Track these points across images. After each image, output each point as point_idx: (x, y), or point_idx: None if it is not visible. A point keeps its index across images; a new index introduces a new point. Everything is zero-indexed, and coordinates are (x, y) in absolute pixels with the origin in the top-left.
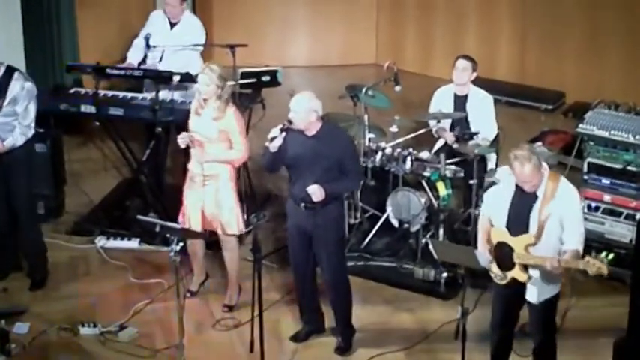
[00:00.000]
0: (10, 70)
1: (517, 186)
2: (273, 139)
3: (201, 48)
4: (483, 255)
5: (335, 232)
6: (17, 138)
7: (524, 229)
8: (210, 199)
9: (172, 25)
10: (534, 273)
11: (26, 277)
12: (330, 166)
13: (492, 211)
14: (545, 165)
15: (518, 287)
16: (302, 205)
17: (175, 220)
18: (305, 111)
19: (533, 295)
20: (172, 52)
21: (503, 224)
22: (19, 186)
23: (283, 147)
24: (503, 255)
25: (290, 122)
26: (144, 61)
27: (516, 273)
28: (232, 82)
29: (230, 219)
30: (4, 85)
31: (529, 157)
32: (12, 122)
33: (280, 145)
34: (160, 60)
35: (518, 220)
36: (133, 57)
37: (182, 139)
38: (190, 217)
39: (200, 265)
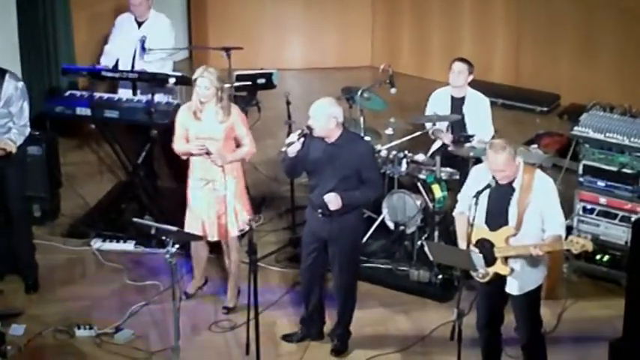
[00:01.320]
0: (1, 72)
1: (496, 181)
2: (290, 144)
3: (172, 50)
4: (478, 255)
5: (350, 241)
6: (17, 138)
7: (504, 222)
8: (223, 206)
9: (139, 24)
10: (516, 266)
11: (22, 280)
12: (349, 174)
13: (473, 206)
14: (519, 158)
15: (501, 283)
16: (319, 211)
17: (170, 223)
18: (325, 118)
19: (513, 287)
20: (143, 55)
21: (482, 220)
22: (11, 187)
23: (304, 152)
24: (484, 252)
25: (309, 128)
26: (116, 65)
27: (498, 267)
28: (228, 85)
29: (241, 217)
30: None
31: (503, 146)
32: (6, 124)
33: (301, 150)
34: (132, 64)
35: (496, 214)
36: (106, 62)
37: (200, 147)
38: (205, 226)
39: (202, 269)
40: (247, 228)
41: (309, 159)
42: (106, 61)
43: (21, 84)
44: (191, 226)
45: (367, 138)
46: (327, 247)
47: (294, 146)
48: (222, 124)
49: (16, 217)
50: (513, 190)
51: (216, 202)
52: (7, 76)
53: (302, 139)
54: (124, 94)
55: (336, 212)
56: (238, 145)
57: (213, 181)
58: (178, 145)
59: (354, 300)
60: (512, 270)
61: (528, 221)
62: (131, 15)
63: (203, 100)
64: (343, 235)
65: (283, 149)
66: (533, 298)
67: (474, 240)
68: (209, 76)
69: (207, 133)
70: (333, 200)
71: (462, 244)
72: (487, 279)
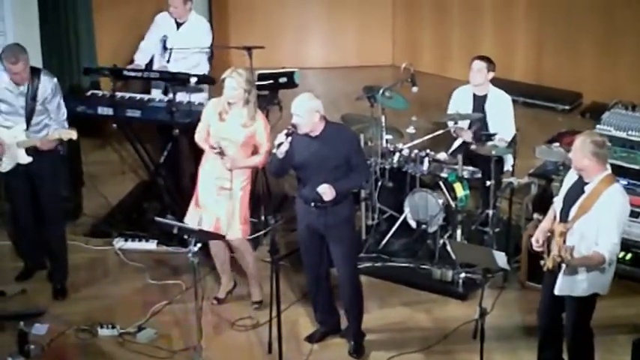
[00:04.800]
0: (36, 71)
1: (579, 177)
2: (279, 145)
3: (208, 50)
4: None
5: (347, 231)
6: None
7: (567, 218)
8: (223, 205)
9: (179, 25)
10: (562, 264)
11: (45, 279)
12: (338, 164)
13: (558, 197)
14: (608, 167)
15: (556, 277)
16: (312, 204)
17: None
18: (308, 112)
19: (557, 286)
20: (180, 54)
21: (559, 210)
22: (45, 187)
23: (289, 151)
24: (549, 242)
25: (294, 127)
26: (151, 62)
27: (549, 259)
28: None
29: (237, 224)
30: (35, 86)
31: (586, 134)
32: (42, 121)
33: (287, 150)
34: (168, 61)
35: (566, 209)
36: (140, 59)
37: (212, 148)
38: (203, 219)
39: (227, 271)
40: (239, 236)
41: (295, 156)
42: (140, 58)
43: (55, 80)
44: (191, 217)
45: (389, 136)
46: (324, 241)
47: (283, 146)
48: (245, 128)
49: (50, 217)
50: (584, 191)
51: (220, 200)
52: (42, 75)
53: (289, 138)
54: (156, 94)
55: (329, 203)
56: (255, 152)
57: (221, 178)
58: (198, 137)
59: (361, 292)
60: (558, 267)
61: (581, 226)
62: (170, 15)
63: (230, 101)
64: (339, 226)
65: (273, 151)
66: (579, 305)
67: (551, 229)
68: (237, 77)
69: (227, 134)
70: (327, 191)
71: (539, 229)
72: (545, 268)
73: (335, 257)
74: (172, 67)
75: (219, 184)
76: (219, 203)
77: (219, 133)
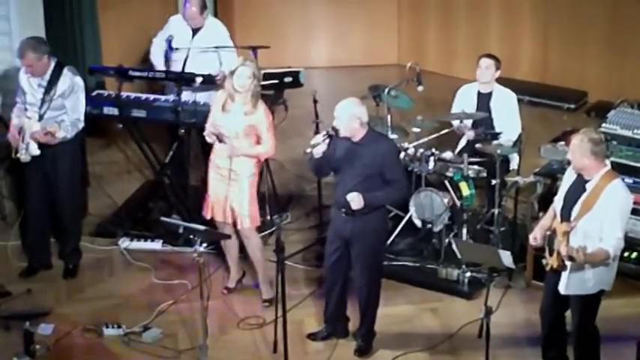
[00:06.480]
0: (60, 65)
1: (578, 175)
2: (315, 145)
3: (228, 50)
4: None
5: (373, 242)
6: (68, 130)
7: (569, 217)
8: (234, 193)
9: (195, 31)
10: (568, 263)
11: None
12: (371, 173)
13: (558, 196)
14: (607, 162)
15: (559, 276)
16: (342, 210)
17: (198, 222)
18: (348, 118)
19: (562, 284)
20: (197, 55)
21: (559, 210)
22: (61, 175)
23: (331, 151)
24: (551, 241)
25: (335, 129)
26: (167, 63)
27: (553, 259)
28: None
29: (245, 213)
30: (54, 80)
31: (582, 132)
32: (59, 116)
33: (328, 150)
34: (183, 68)
35: (567, 208)
36: (156, 59)
37: (210, 134)
38: (215, 207)
39: (235, 261)
40: (246, 226)
41: (335, 157)
42: (155, 57)
43: (77, 79)
44: (208, 207)
45: (394, 136)
46: (349, 246)
47: (319, 147)
48: (246, 116)
49: (67, 203)
50: (585, 189)
51: (225, 189)
52: (64, 70)
53: (327, 140)
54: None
55: (358, 212)
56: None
57: (226, 169)
58: (207, 129)
59: (377, 300)
60: (561, 265)
61: (585, 225)
62: (185, 21)
63: (241, 90)
64: (365, 235)
65: (308, 150)
66: (585, 302)
67: (553, 227)
68: (251, 64)
69: (230, 124)
70: (355, 199)
71: (537, 228)
72: (548, 268)
73: (355, 264)
74: (190, 70)
75: (224, 175)
76: (222, 193)
77: (222, 124)
